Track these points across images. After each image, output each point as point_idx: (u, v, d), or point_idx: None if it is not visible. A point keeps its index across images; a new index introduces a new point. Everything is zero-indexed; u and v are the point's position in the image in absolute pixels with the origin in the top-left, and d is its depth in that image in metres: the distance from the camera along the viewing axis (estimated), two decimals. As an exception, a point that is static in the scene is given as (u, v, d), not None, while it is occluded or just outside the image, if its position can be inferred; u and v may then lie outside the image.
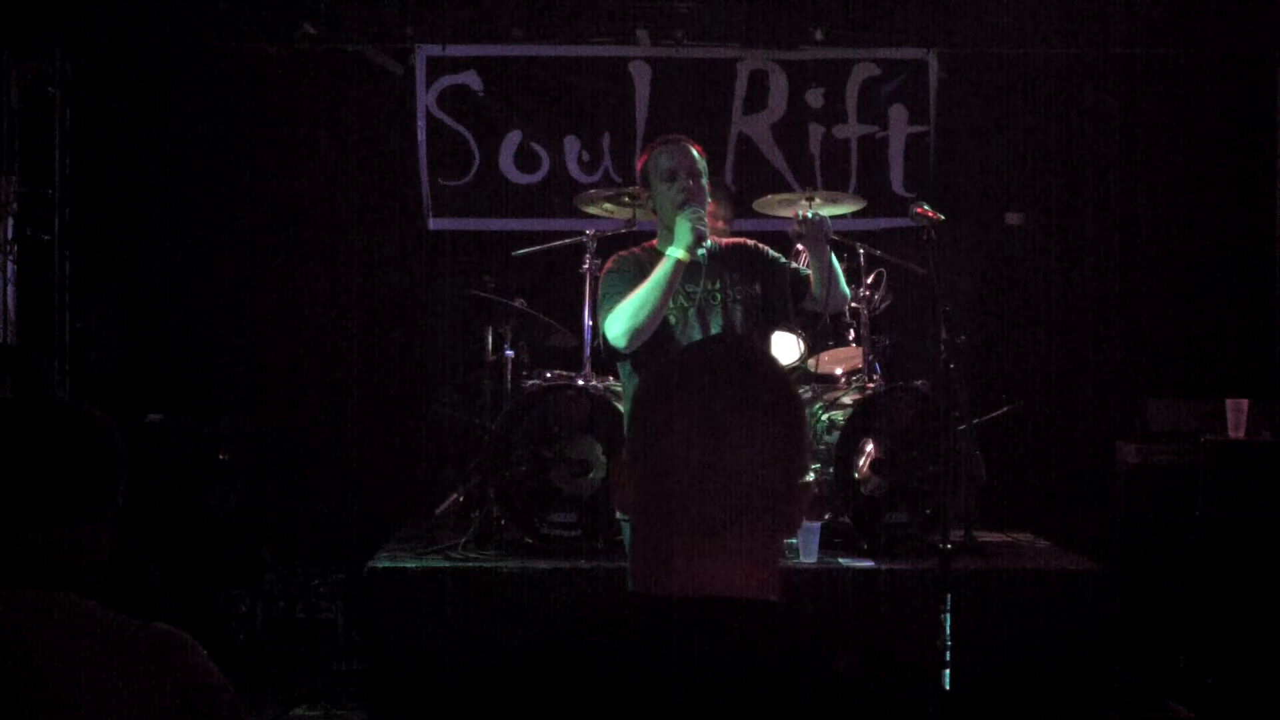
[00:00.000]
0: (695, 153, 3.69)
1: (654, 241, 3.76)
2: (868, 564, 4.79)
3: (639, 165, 3.81)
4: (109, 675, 1.52)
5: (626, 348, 3.55)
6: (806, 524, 4.72)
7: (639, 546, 1.33)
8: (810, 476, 1.35)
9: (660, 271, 3.52)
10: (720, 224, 5.73)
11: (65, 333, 6.24)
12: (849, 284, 5.28)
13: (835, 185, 6.50)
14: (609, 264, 3.72)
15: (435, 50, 6.57)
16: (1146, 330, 6.60)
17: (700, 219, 3.54)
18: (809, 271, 3.74)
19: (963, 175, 6.66)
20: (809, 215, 3.67)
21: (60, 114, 6.26)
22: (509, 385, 5.49)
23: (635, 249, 3.76)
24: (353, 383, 6.53)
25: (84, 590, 1.61)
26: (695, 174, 3.64)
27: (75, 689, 1.50)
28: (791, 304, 3.76)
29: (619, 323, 3.53)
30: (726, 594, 1.26)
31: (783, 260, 3.84)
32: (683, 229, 3.53)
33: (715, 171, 6.46)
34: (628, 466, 1.34)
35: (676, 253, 3.52)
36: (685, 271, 3.56)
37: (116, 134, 6.41)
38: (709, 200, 3.69)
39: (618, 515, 3.77)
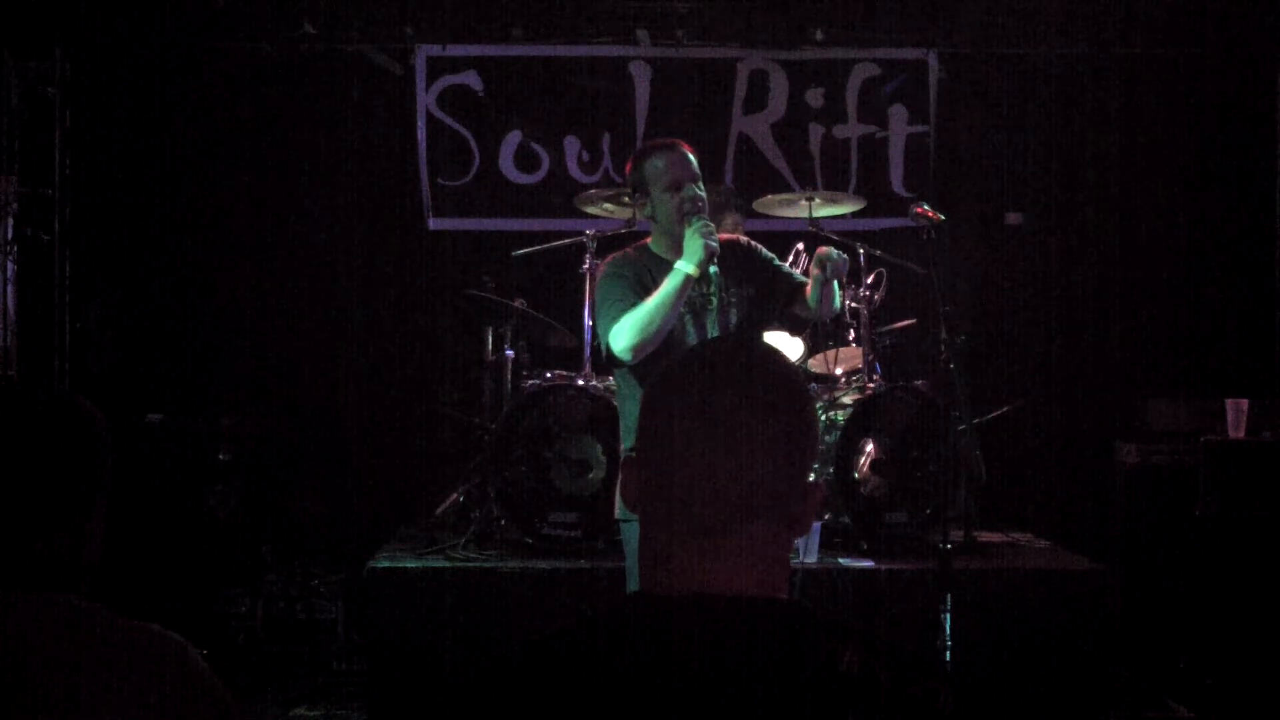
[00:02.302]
0: (693, 158, 3.64)
1: (647, 240, 3.72)
2: (868, 564, 4.79)
3: (629, 167, 3.73)
4: (109, 678, 1.52)
5: (631, 361, 3.50)
6: (806, 524, 4.71)
7: (643, 546, 1.33)
8: (811, 476, 1.35)
9: (669, 286, 3.45)
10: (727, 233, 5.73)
11: (65, 333, 6.24)
12: (849, 284, 5.30)
13: (835, 185, 6.50)
14: (603, 268, 3.66)
15: (435, 50, 6.58)
16: (1146, 330, 6.60)
17: (711, 233, 3.48)
18: (803, 279, 3.69)
19: (963, 175, 6.66)
20: (835, 256, 3.58)
21: (60, 114, 6.26)
22: (509, 385, 5.49)
23: (629, 249, 3.70)
24: (353, 383, 6.53)
25: (80, 586, 1.61)
26: (698, 183, 3.61)
27: (76, 692, 1.50)
28: (781, 306, 3.74)
29: (624, 337, 3.46)
30: (729, 593, 1.26)
31: (775, 261, 3.82)
32: (694, 245, 3.45)
33: (715, 171, 6.51)
34: (633, 464, 1.35)
35: (687, 268, 3.44)
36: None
37: (116, 134, 6.41)
38: (723, 211, 3.64)
39: (616, 515, 3.75)
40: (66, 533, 1.61)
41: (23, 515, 1.60)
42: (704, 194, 3.62)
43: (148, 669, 1.54)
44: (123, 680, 1.52)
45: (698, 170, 3.63)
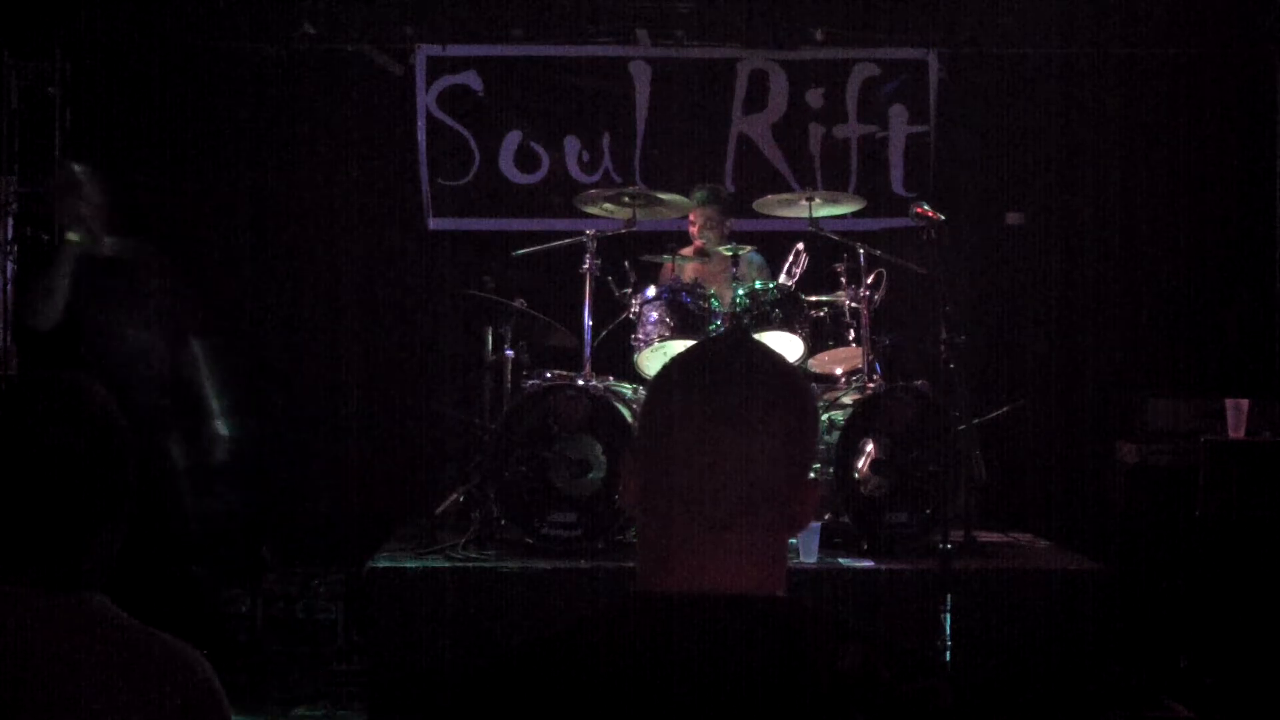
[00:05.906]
0: None
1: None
2: (868, 564, 4.79)
3: None
4: (116, 680, 1.51)
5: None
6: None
7: (643, 544, 1.33)
8: (811, 475, 1.35)
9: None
10: (710, 227, 5.74)
11: (65, 333, 6.23)
12: (849, 284, 5.31)
13: (835, 185, 6.50)
14: None
15: (435, 50, 6.58)
16: (1146, 330, 6.59)
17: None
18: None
19: (963, 175, 6.65)
20: None
21: (60, 114, 6.26)
22: (509, 385, 5.49)
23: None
24: (353, 383, 6.53)
25: (97, 582, 1.60)
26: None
27: (80, 692, 1.50)
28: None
29: None
30: (729, 591, 1.26)
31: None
32: None
33: (715, 172, 6.51)
34: (633, 462, 1.35)
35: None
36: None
37: (116, 134, 6.40)
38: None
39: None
40: (111, 529, 1.60)
41: (80, 513, 1.57)
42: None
43: (159, 676, 1.54)
44: (132, 685, 1.52)
45: None
